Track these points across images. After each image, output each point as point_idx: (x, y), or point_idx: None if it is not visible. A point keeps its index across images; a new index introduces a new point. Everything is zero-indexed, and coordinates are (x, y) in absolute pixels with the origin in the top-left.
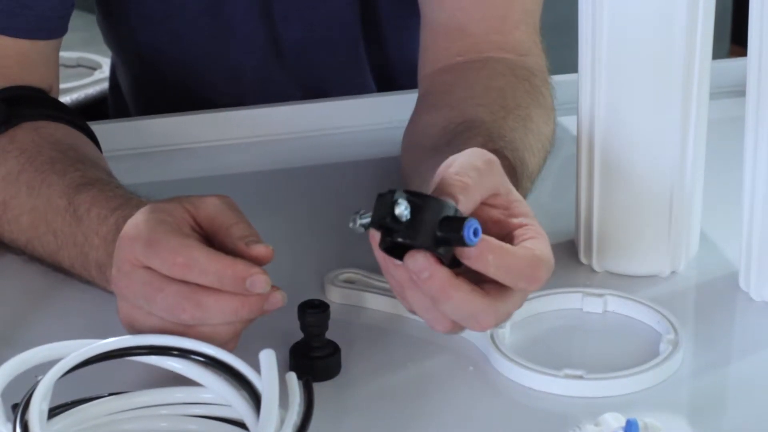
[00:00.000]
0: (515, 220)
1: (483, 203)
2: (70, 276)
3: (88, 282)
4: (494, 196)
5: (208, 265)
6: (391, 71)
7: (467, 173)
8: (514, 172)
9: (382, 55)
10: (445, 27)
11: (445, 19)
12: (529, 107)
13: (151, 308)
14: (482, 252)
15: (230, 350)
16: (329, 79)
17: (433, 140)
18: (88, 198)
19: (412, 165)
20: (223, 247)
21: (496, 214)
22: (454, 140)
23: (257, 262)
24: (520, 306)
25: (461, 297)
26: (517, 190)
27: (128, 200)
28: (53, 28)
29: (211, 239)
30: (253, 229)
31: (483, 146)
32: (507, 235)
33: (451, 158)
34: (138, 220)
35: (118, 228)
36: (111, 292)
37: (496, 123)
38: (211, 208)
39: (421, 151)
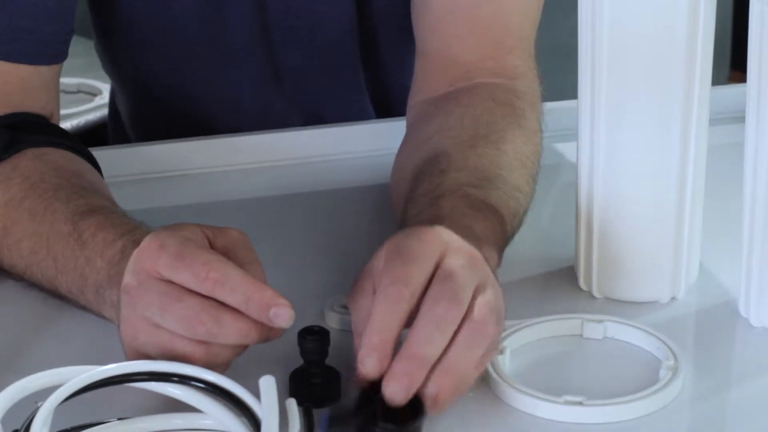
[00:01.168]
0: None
1: None
2: (68, 302)
3: (83, 307)
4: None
5: (239, 285)
6: (389, 98)
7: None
8: (469, 200)
9: (381, 82)
10: (438, 55)
11: (439, 48)
12: (505, 130)
13: (164, 319)
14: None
15: (222, 373)
16: (328, 105)
17: (409, 174)
18: (94, 223)
19: (399, 198)
20: None
21: None
22: (419, 177)
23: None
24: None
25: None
26: (485, 204)
27: (136, 227)
28: (54, 54)
29: None
30: (264, 274)
31: (435, 186)
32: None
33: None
34: (162, 235)
35: (125, 251)
36: (106, 318)
37: (462, 154)
38: (229, 241)
39: (404, 183)
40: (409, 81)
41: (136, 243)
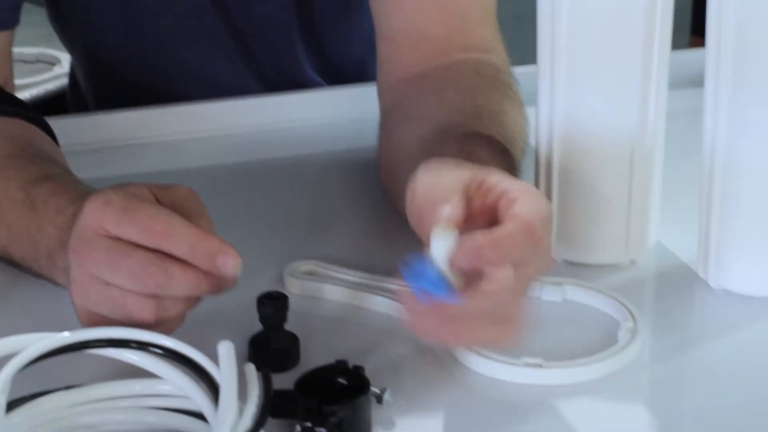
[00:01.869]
0: (493, 195)
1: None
2: (21, 269)
3: (37, 274)
4: (466, 191)
5: (184, 236)
6: (336, 68)
7: (427, 205)
8: (506, 153)
9: (323, 54)
10: (404, 34)
11: (404, 26)
12: (501, 102)
13: (113, 276)
14: (479, 254)
15: (175, 329)
16: (277, 74)
17: (411, 154)
18: (47, 190)
19: (395, 184)
20: None
21: (477, 205)
22: (433, 152)
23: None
24: (546, 264)
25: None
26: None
27: (88, 193)
28: (4, 20)
29: None
30: (213, 228)
31: (460, 150)
32: (495, 217)
33: (409, 193)
34: (107, 192)
35: (76, 217)
36: (59, 285)
37: (470, 123)
38: (176, 196)
39: (401, 167)
40: (353, 51)
41: None
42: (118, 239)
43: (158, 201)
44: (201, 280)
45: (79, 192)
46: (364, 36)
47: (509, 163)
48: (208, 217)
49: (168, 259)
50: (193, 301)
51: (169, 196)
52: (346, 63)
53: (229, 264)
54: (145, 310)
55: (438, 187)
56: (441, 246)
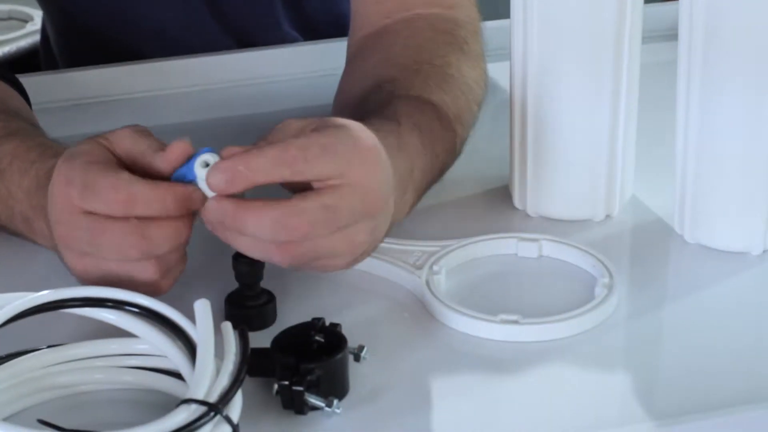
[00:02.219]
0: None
1: None
2: None
3: (16, 234)
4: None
5: (149, 195)
6: (314, 27)
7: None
8: (438, 111)
9: (302, 13)
10: None
11: None
12: (448, 55)
13: (100, 252)
14: (233, 167)
15: (180, 273)
16: (255, 32)
17: (351, 107)
18: (10, 150)
19: None
20: (147, 173)
21: None
22: (365, 105)
23: (177, 159)
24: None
25: (254, 213)
26: (447, 128)
27: (45, 151)
28: None
29: (133, 169)
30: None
31: (379, 104)
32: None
33: None
34: (65, 168)
35: (39, 179)
36: (38, 244)
37: (406, 78)
38: (125, 140)
39: (347, 113)
40: (335, 10)
41: (48, 173)
42: (93, 213)
43: (112, 152)
44: (180, 227)
45: (41, 148)
46: None
47: (435, 115)
48: (159, 142)
49: (142, 223)
50: (184, 244)
51: (119, 142)
52: (324, 19)
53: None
54: (147, 272)
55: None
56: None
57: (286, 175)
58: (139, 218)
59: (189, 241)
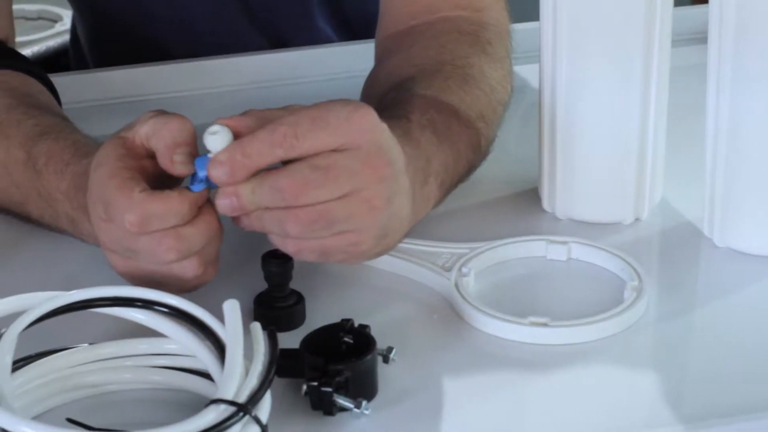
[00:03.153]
0: None
1: None
2: (39, 226)
3: (60, 231)
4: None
5: (162, 210)
6: (350, 26)
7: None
8: (456, 110)
9: (339, 9)
10: None
11: None
12: (470, 56)
13: (140, 259)
14: (230, 161)
15: (214, 272)
16: (289, 29)
17: (374, 104)
18: (45, 150)
19: None
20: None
21: None
22: (382, 103)
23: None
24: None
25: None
26: (468, 126)
27: (77, 150)
28: None
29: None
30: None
31: (401, 101)
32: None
33: None
34: (91, 181)
35: (75, 181)
36: (84, 241)
37: (426, 78)
38: (142, 132)
39: None
40: (369, 10)
41: (83, 173)
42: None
43: (131, 148)
44: (209, 219)
45: (74, 147)
46: None
47: (451, 111)
48: (186, 120)
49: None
50: (219, 237)
51: (138, 137)
52: (358, 17)
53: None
54: (191, 270)
55: None
56: (214, 139)
57: (280, 154)
58: None
59: (221, 238)
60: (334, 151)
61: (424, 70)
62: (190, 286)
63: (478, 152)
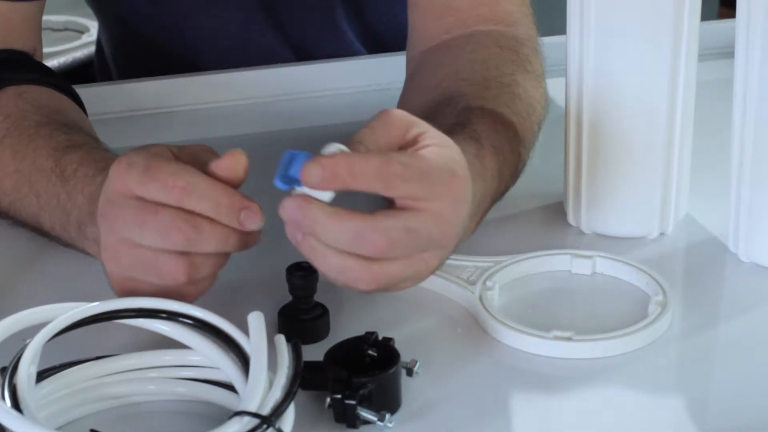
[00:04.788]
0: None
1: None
2: (51, 239)
3: (67, 244)
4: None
5: (206, 191)
6: (376, 37)
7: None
8: (509, 132)
9: (364, 22)
10: (430, 3)
11: None
12: (514, 74)
13: (143, 235)
14: (333, 167)
15: (207, 289)
16: (314, 41)
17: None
18: (76, 159)
19: None
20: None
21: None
22: (435, 117)
23: (233, 174)
24: (417, 226)
25: (336, 220)
26: (513, 152)
27: (110, 163)
28: None
29: None
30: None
31: (456, 120)
32: None
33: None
34: (130, 154)
35: (100, 190)
36: (90, 255)
37: (476, 94)
38: (194, 153)
39: None
40: (394, 20)
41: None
42: (144, 200)
43: (177, 159)
44: (229, 234)
45: (107, 161)
46: (405, 3)
47: (508, 136)
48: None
49: (195, 215)
50: (222, 258)
51: (187, 152)
52: (385, 29)
53: (253, 218)
54: (177, 269)
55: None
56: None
57: (379, 188)
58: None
59: (224, 264)
60: (417, 207)
61: (474, 84)
62: (165, 293)
63: (515, 178)
